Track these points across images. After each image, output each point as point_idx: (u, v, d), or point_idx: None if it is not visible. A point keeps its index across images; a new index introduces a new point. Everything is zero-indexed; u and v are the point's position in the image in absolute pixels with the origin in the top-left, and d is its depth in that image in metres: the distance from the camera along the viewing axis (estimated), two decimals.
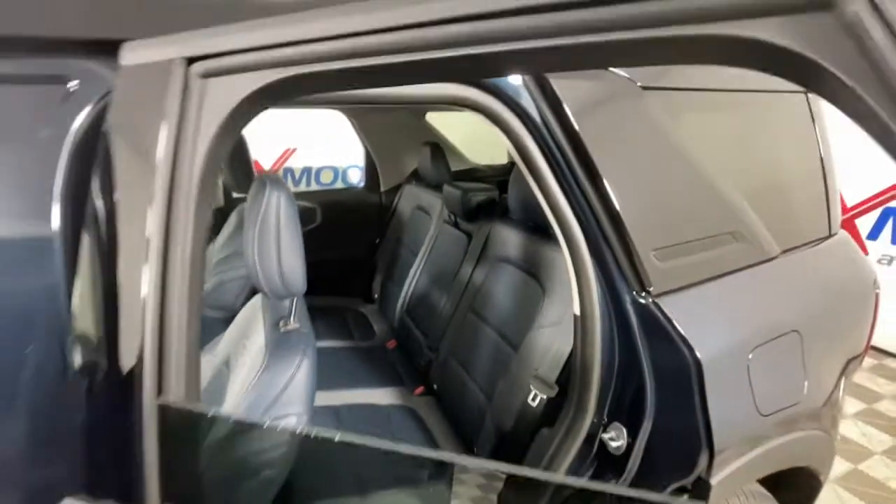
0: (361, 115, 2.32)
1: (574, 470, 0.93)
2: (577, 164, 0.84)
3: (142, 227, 0.44)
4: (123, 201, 0.45)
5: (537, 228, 1.35)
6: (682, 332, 0.88)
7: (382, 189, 2.51)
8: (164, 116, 0.43)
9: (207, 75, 0.44)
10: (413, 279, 1.97)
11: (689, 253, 0.93)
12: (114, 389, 0.45)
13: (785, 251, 1.09)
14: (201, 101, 0.44)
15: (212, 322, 1.59)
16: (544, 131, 0.83)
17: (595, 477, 0.93)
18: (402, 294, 1.99)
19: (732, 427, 0.92)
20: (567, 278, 1.00)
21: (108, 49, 0.53)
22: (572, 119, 0.82)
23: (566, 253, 0.91)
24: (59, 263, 0.50)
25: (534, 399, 1.10)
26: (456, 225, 1.78)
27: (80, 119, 0.53)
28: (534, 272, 1.30)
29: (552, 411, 1.06)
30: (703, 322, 0.92)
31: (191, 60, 0.44)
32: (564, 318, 1.13)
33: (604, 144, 0.85)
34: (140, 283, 0.44)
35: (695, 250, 0.94)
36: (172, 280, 0.44)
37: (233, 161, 1.77)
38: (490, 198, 1.70)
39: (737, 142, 1.10)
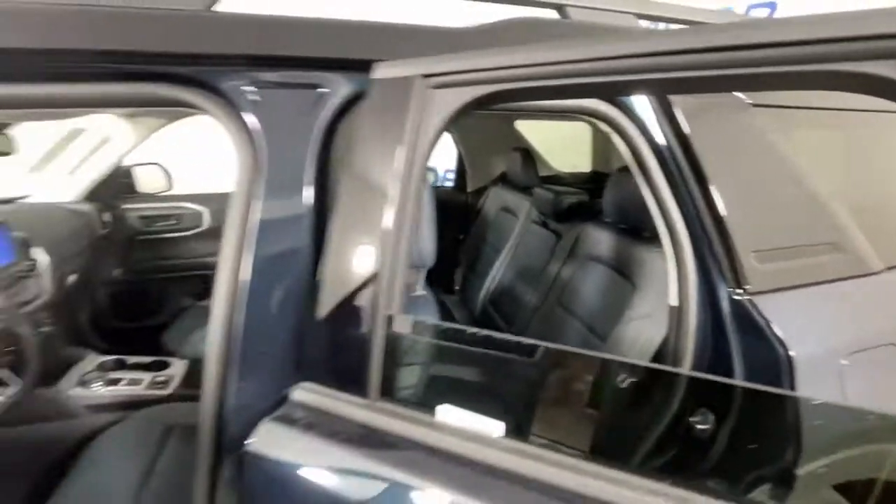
0: (461, 120, 2.50)
1: (660, 447, 1.02)
2: (687, 169, 0.94)
3: (382, 201, 0.62)
4: (370, 178, 0.64)
5: (630, 230, 1.45)
6: (775, 329, 0.95)
7: (469, 189, 2.69)
8: (406, 117, 0.61)
9: (437, 87, 0.61)
10: (496, 273, 2.12)
11: (787, 258, 1.00)
12: (352, 305, 0.64)
13: (889, 268, 1.12)
14: (431, 107, 0.61)
15: None
16: (659, 139, 0.94)
17: (680, 456, 1.02)
18: (485, 286, 2.15)
19: None
20: (658, 275, 1.09)
21: (349, 65, 0.73)
22: (685, 129, 0.94)
23: (668, 249, 1.02)
24: (311, 229, 0.71)
25: (622, 382, 1.20)
26: (545, 225, 1.91)
27: (326, 117, 0.73)
28: (624, 270, 1.40)
29: None
30: (798, 323, 0.98)
31: (427, 76, 0.61)
32: (655, 312, 1.23)
33: (712, 153, 0.95)
34: (377, 239, 0.62)
35: (794, 256, 1.01)
36: (401, 235, 0.61)
37: None
38: (581, 201, 1.81)
39: (844, 159, 1.15)
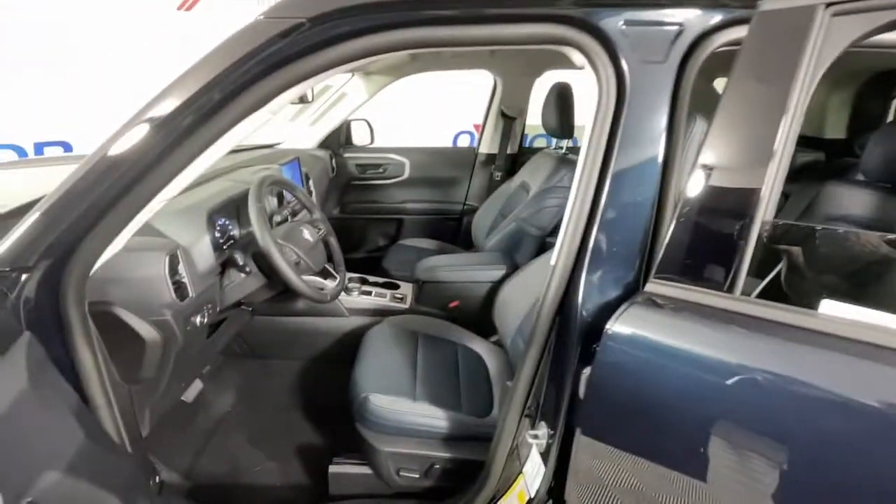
0: None
1: None
2: None
3: (770, 121, 0.70)
4: (754, 102, 0.72)
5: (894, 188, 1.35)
6: None
7: None
8: (804, 45, 0.68)
9: (840, 14, 0.67)
10: None
11: None
12: (724, 211, 0.74)
13: None
14: (831, 35, 0.67)
15: (531, 239, 2.00)
16: None
17: None
18: None
19: None
20: None
21: (699, 4, 0.81)
22: None
23: None
24: (664, 148, 0.83)
25: None
26: None
27: (681, 51, 0.83)
28: (887, 228, 1.32)
29: None
30: None
31: (830, 4, 0.67)
32: None
33: None
34: (763, 155, 0.71)
35: None
36: (785, 151, 0.70)
37: (559, 110, 2.05)
38: (815, 159, 1.70)
39: None
